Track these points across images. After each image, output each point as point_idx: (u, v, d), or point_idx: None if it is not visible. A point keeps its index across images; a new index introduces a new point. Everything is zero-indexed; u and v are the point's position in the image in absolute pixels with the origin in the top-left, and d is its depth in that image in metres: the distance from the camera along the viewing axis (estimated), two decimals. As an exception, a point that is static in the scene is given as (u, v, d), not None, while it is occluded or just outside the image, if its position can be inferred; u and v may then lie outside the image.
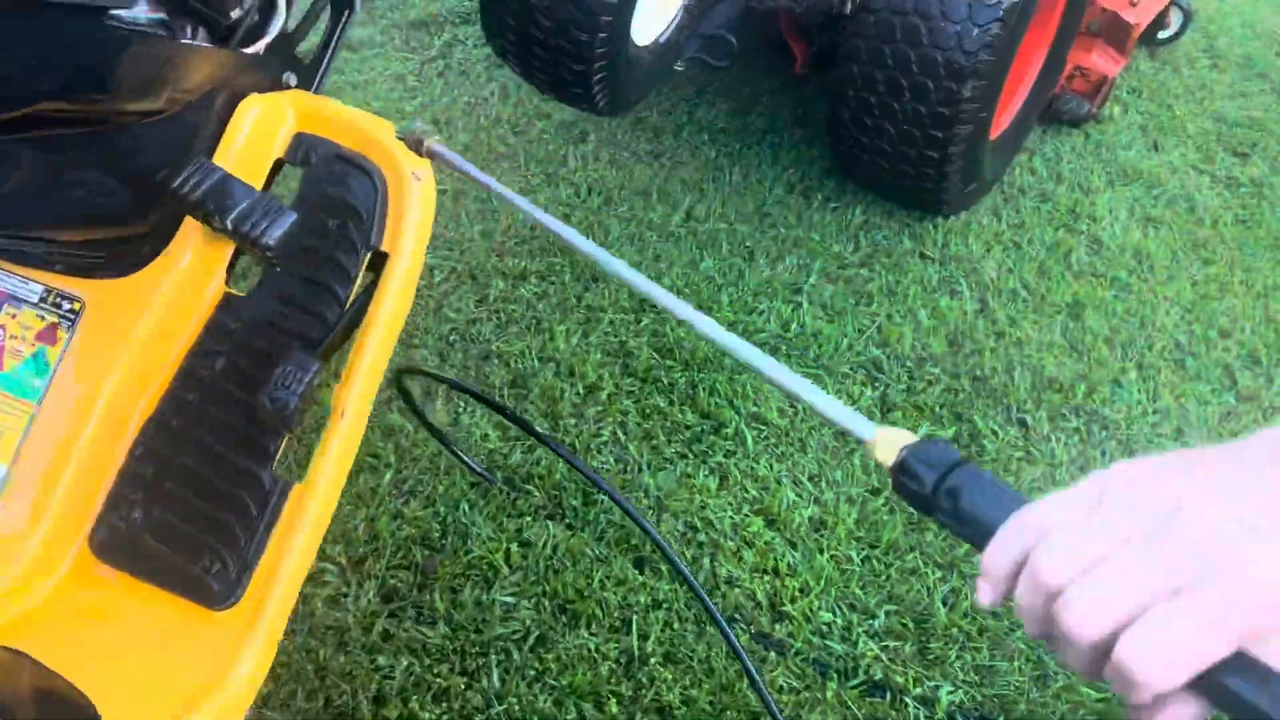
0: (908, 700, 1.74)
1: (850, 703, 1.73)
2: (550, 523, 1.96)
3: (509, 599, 1.83)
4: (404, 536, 1.91)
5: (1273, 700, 0.49)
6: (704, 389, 2.25)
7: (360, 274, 1.14)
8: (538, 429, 1.80)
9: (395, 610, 1.80)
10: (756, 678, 1.52)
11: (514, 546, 1.90)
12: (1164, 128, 3.35)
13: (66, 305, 1.11)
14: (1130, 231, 2.86)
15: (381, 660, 1.71)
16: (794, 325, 2.44)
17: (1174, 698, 0.51)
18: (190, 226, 1.09)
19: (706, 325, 0.78)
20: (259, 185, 1.14)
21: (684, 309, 0.80)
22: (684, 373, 2.29)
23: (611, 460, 2.09)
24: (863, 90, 2.49)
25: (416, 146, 1.02)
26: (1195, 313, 2.62)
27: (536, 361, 2.28)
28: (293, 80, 1.22)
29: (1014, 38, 2.44)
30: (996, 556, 0.58)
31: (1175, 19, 3.69)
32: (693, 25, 2.29)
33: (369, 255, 1.13)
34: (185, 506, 1.08)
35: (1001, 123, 2.84)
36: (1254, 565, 0.49)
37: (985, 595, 0.59)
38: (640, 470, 2.08)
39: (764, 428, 2.20)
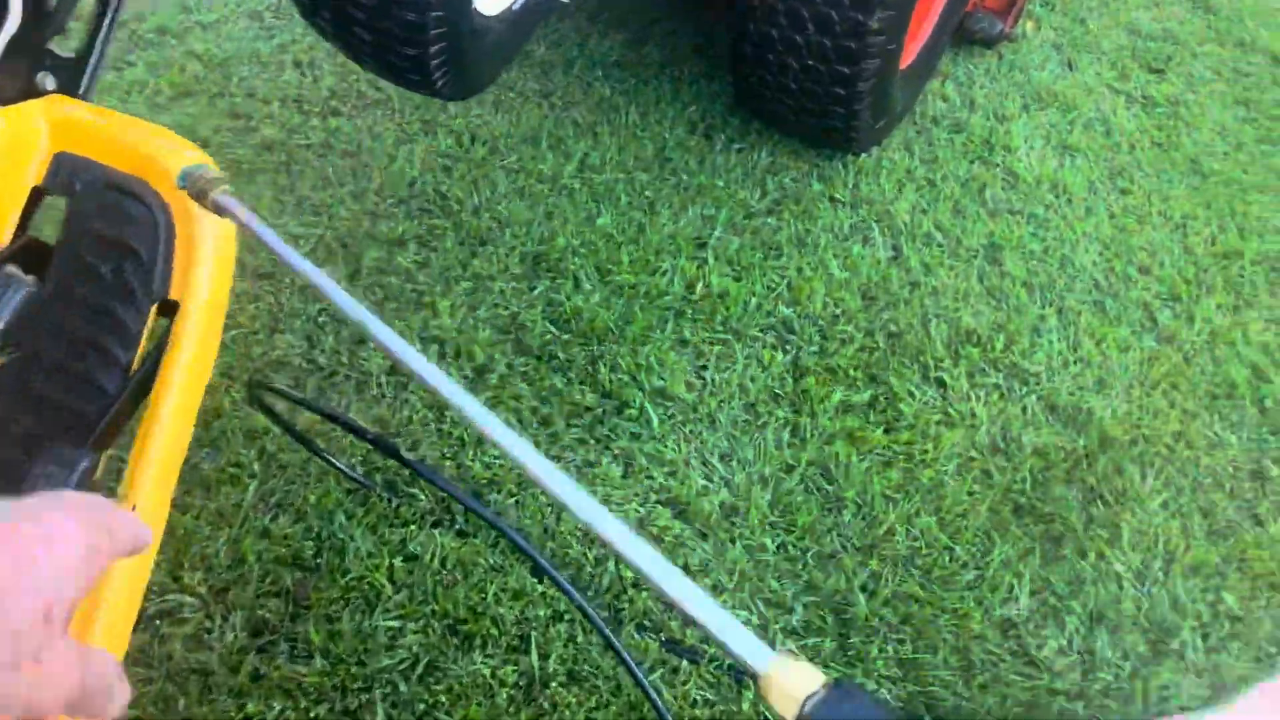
0: (829, 704, 1.63)
1: (769, 713, 1.61)
2: (437, 531, 1.78)
3: (393, 623, 1.66)
4: (273, 558, 1.71)
5: None
6: (605, 365, 2.07)
7: (146, 330, 0.92)
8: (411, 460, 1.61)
9: (265, 645, 1.62)
10: (655, 698, 1.39)
11: (397, 561, 1.73)
12: (1078, 44, 3.20)
13: None
14: (1046, 161, 2.73)
15: (251, 706, 1.54)
16: (699, 285, 2.26)
17: None
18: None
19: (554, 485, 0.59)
20: (7, 225, 0.91)
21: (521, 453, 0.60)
22: (583, 347, 2.10)
23: (504, 459, 1.91)
24: (764, 23, 2.28)
25: (200, 197, 0.80)
26: (1114, 249, 2.51)
27: (419, 342, 2.07)
28: (50, 83, 0.98)
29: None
30: None
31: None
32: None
33: (155, 306, 0.92)
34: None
35: (912, 51, 2.65)
36: None
37: None
38: (536, 462, 1.90)
39: (670, 404, 2.04)
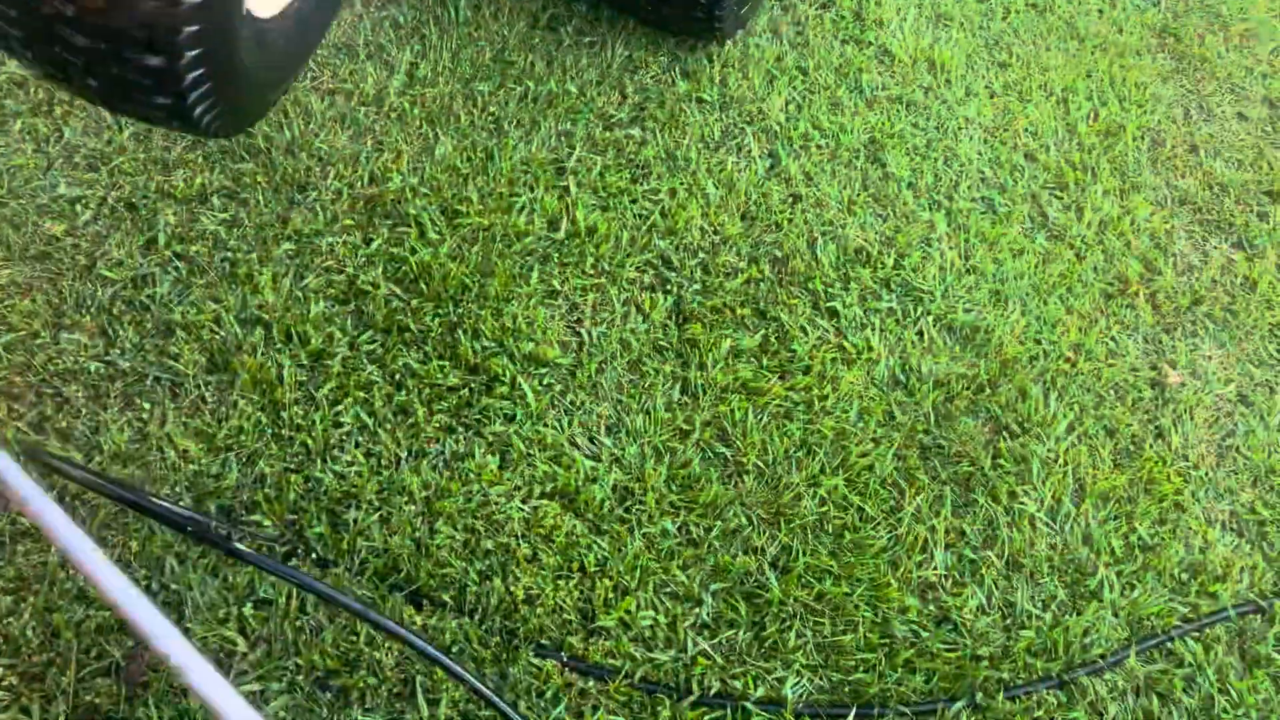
0: (750, 706, 1.51)
1: (688, 730, 1.48)
2: (292, 563, 1.53)
3: (252, 686, 1.43)
4: (94, 627, 1.44)
5: None
6: (465, 332, 1.81)
7: None
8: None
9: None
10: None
11: (247, 610, 1.48)
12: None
13: None
14: (921, 36, 2.51)
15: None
16: (564, 222, 1.99)
17: None
18: None
19: None
20: None
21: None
22: (437, 312, 1.83)
23: (361, 456, 1.66)
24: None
25: None
26: (998, 135, 2.35)
27: (238, 327, 1.75)
28: None
29: None
30: None
31: None
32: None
33: None
34: None
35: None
36: None
37: None
38: (398, 465, 1.66)
39: (545, 371, 1.80)
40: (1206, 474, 1.89)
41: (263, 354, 1.72)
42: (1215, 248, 2.25)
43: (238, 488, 1.59)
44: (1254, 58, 2.70)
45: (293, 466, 1.63)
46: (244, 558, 1.34)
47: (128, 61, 1.03)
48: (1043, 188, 2.27)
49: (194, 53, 1.05)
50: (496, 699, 1.30)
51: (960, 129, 2.33)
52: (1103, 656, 1.64)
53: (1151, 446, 1.91)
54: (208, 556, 1.51)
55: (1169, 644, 1.67)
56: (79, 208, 1.85)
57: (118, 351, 1.70)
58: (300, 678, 1.44)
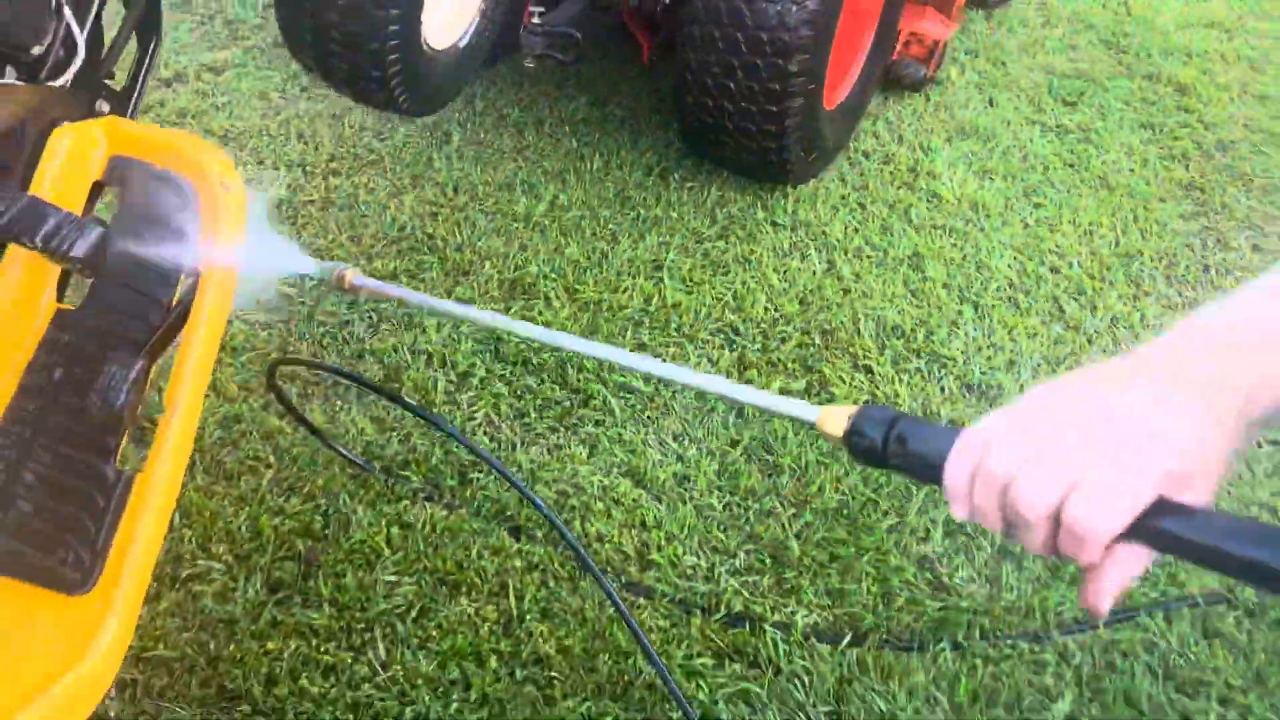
0: (766, 627, 1.89)
1: (714, 635, 1.88)
2: (428, 504, 2.07)
3: (391, 578, 1.94)
4: (286, 530, 2.01)
5: (1194, 529, 0.64)
6: (573, 367, 2.38)
7: (180, 279, 1.24)
8: (414, 405, 1.92)
9: (282, 599, 1.90)
10: (624, 610, 1.66)
11: (394, 530, 2.02)
12: (998, 84, 3.57)
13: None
14: (967, 184, 3.07)
15: (271, 644, 1.82)
16: (655, 299, 2.58)
17: (1119, 548, 0.65)
18: (13, 252, 1.19)
19: (641, 361, 0.99)
20: (78, 208, 1.24)
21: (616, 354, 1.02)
22: (553, 354, 2.42)
23: (486, 440, 2.22)
24: (700, 73, 2.65)
25: (339, 282, 1.18)
26: (1027, 253, 2.83)
27: (409, 355, 2.39)
28: (105, 108, 1.32)
29: (832, 12, 2.62)
30: (954, 475, 0.71)
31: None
32: (494, 30, 2.46)
33: (184, 276, 1.24)
34: (37, 505, 1.17)
35: (838, 93, 3.02)
36: (1161, 430, 0.64)
37: (958, 512, 0.72)
38: (514, 448, 2.21)
39: (630, 396, 2.34)
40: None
41: (423, 372, 2.35)
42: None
43: (396, 453, 2.16)
44: (1273, 205, 3.10)
45: (437, 443, 2.20)
46: (417, 410, 1.88)
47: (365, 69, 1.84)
48: (1063, 292, 2.71)
49: (396, 68, 1.82)
50: (585, 553, 1.77)
51: (993, 249, 2.83)
52: (1075, 620, 1.94)
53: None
54: (369, 494, 2.08)
55: (1136, 618, 1.95)
56: (306, 280, 2.59)
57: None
58: (426, 575, 1.95)
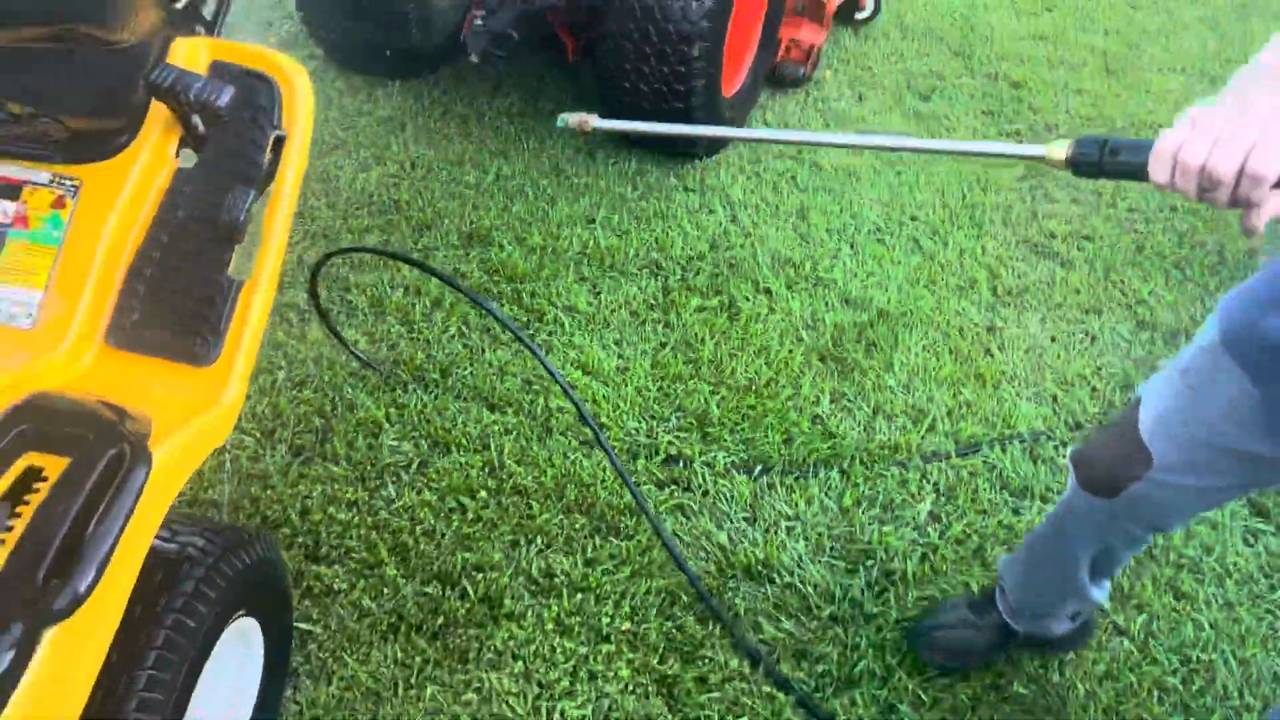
0: (695, 464, 2.41)
1: (655, 470, 2.38)
2: (419, 390, 2.54)
3: (393, 442, 2.40)
4: (303, 412, 2.45)
5: None
6: (526, 294, 2.88)
7: (269, 145, 1.72)
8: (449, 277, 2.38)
9: (305, 459, 2.34)
10: (600, 435, 2.15)
11: (392, 409, 2.48)
12: (866, 84, 4.23)
13: (69, 183, 1.64)
14: (842, 158, 3.69)
15: (300, 488, 2.26)
16: (590, 244, 3.11)
17: (1276, 192, 0.93)
18: (152, 120, 1.65)
19: (866, 139, 1.38)
20: (194, 100, 1.71)
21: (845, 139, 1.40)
22: (509, 284, 2.92)
23: (459, 346, 2.69)
24: (619, 63, 3.21)
25: (582, 125, 1.65)
26: (891, 206, 3.45)
27: (388, 288, 2.86)
28: (201, 30, 1.80)
29: (726, 9, 3.21)
30: (1160, 159, 0.99)
31: (869, 3, 4.62)
32: None
33: (275, 134, 1.72)
34: (174, 307, 1.63)
35: (733, 83, 3.62)
36: None
37: (1159, 180, 0.99)
38: (483, 351, 2.69)
39: (575, 315, 2.85)
40: (1018, 374, 2.79)
41: (404, 299, 2.82)
42: (1043, 265, 3.25)
43: (385, 358, 2.62)
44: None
45: (419, 349, 2.66)
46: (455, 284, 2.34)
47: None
48: (920, 233, 3.33)
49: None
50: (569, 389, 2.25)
51: (864, 204, 3.44)
52: (934, 453, 2.50)
53: (981, 359, 2.83)
54: (368, 384, 2.53)
55: (980, 451, 2.52)
56: (294, 236, 3.03)
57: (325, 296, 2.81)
58: (421, 439, 2.41)
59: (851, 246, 3.24)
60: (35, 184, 1.64)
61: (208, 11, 1.83)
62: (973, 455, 2.51)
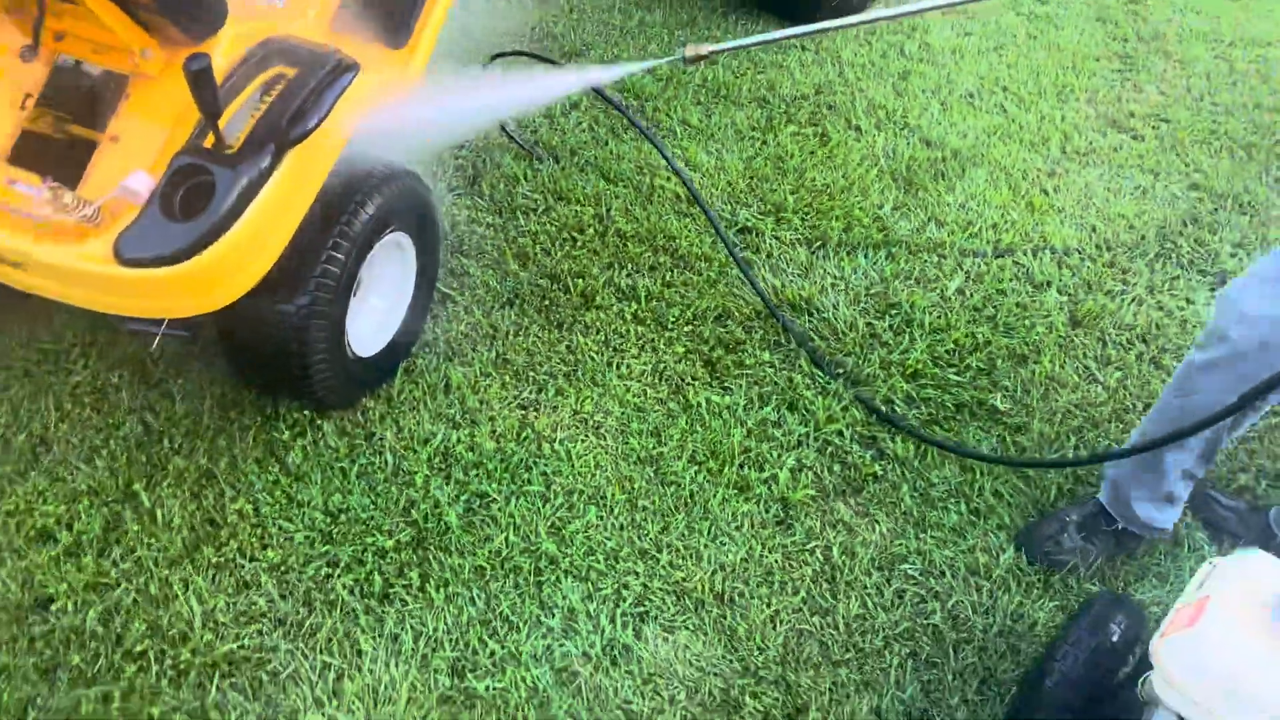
0: (765, 236, 2.92)
1: (732, 236, 2.91)
2: (550, 160, 3.13)
3: (526, 190, 3.00)
4: (459, 163, 3.08)
5: None
6: (650, 109, 3.44)
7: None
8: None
9: (457, 193, 2.97)
10: (689, 182, 2.69)
11: (528, 170, 3.08)
12: (989, -15, 4.59)
13: None
14: (949, 37, 4.09)
15: (452, 211, 2.88)
16: (710, 79, 3.63)
17: None
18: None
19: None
20: None
21: None
22: (636, 100, 3.48)
23: (588, 137, 3.28)
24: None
25: (697, 55, 2.24)
26: (987, 78, 3.84)
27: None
28: None
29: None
30: None
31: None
32: None
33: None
34: (380, 4, 2.24)
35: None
36: None
37: None
38: (606, 142, 3.26)
39: (688, 127, 3.38)
40: (1065, 208, 3.17)
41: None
42: (1115, 135, 3.58)
43: (535, 139, 3.23)
44: (1186, 71, 4.06)
45: (555, 135, 3.26)
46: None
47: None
48: (1006, 100, 3.71)
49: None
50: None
51: (961, 74, 3.84)
52: (973, 251, 2.94)
53: (1036, 194, 3.22)
54: (510, 157, 3.14)
55: (1013, 255, 2.93)
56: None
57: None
58: (548, 193, 3.00)
59: (942, 105, 3.65)
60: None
61: None
62: (1006, 256, 2.94)
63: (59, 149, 1.98)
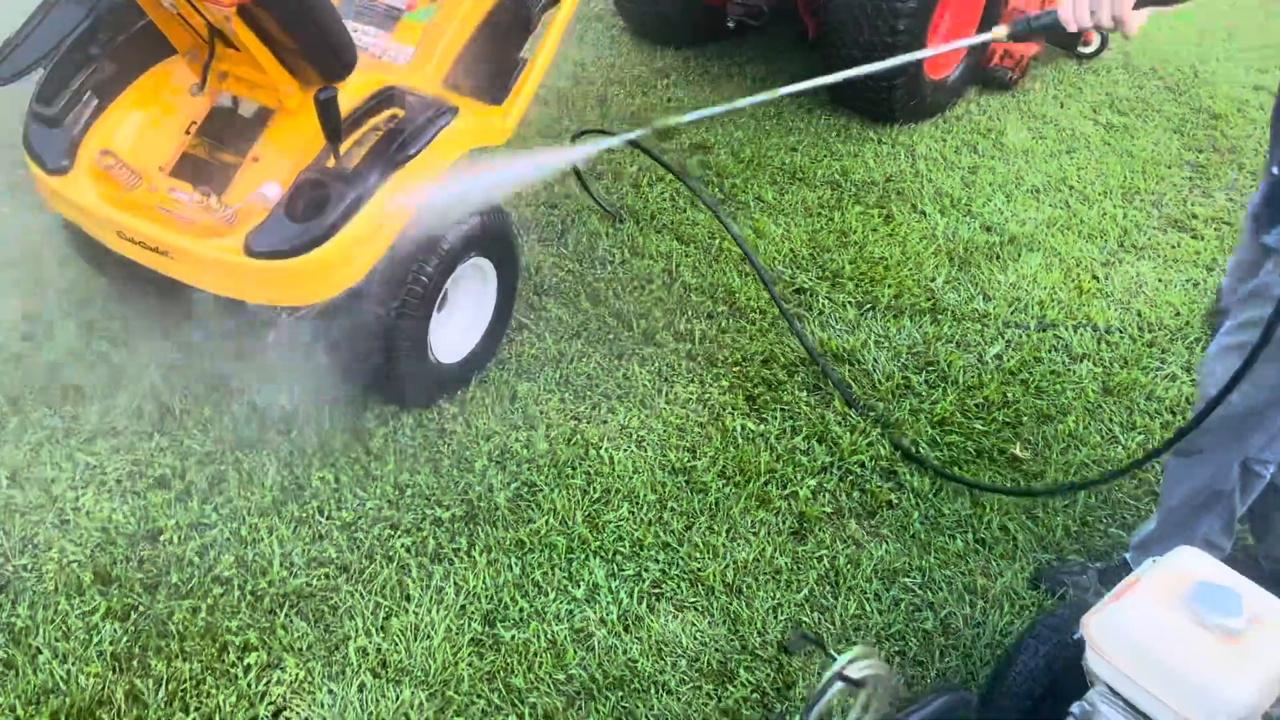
0: (819, 296, 3.18)
1: (786, 295, 3.18)
2: (631, 222, 3.48)
3: (606, 245, 3.34)
4: (548, 219, 3.46)
5: None
6: (728, 185, 3.78)
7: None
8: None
9: (545, 242, 3.33)
10: (744, 247, 3.00)
11: (609, 230, 3.43)
12: (1069, 95, 4.82)
13: (442, -5, 2.72)
14: (1023, 139, 4.33)
15: (537, 255, 3.24)
16: (788, 162, 3.96)
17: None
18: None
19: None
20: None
21: None
22: (717, 177, 3.82)
23: (667, 205, 3.62)
24: (842, 34, 4.07)
25: (665, 126, 2.63)
26: (1053, 176, 4.06)
27: (628, 164, 3.84)
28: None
29: (927, 10, 4.01)
30: (1063, 9, 1.83)
31: (1096, 39, 5.20)
32: None
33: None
34: (485, 67, 2.65)
35: (940, 72, 4.38)
36: None
37: (1066, 18, 1.71)
38: (684, 209, 3.60)
39: (762, 203, 3.70)
40: (1113, 293, 3.34)
41: (637, 171, 3.79)
42: (1175, 234, 3.74)
43: (620, 203, 3.59)
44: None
45: (638, 201, 3.61)
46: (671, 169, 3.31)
47: None
48: (1070, 197, 3.92)
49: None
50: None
51: (1029, 172, 4.07)
52: (1016, 323, 3.13)
53: (1087, 280, 3.40)
54: (596, 220, 3.51)
55: (1055, 329, 3.11)
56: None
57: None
58: (625, 248, 3.34)
59: (1007, 197, 3.89)
60: (421, -10, 2.74)
61: None
62: (1048, 330, 3.12)
63: (211, 166, 2.41)
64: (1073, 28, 1.72)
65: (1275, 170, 1.89)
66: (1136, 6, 1.68)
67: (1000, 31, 1.86)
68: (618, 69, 4.71)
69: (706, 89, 4.57)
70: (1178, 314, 3.26)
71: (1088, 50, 5.20)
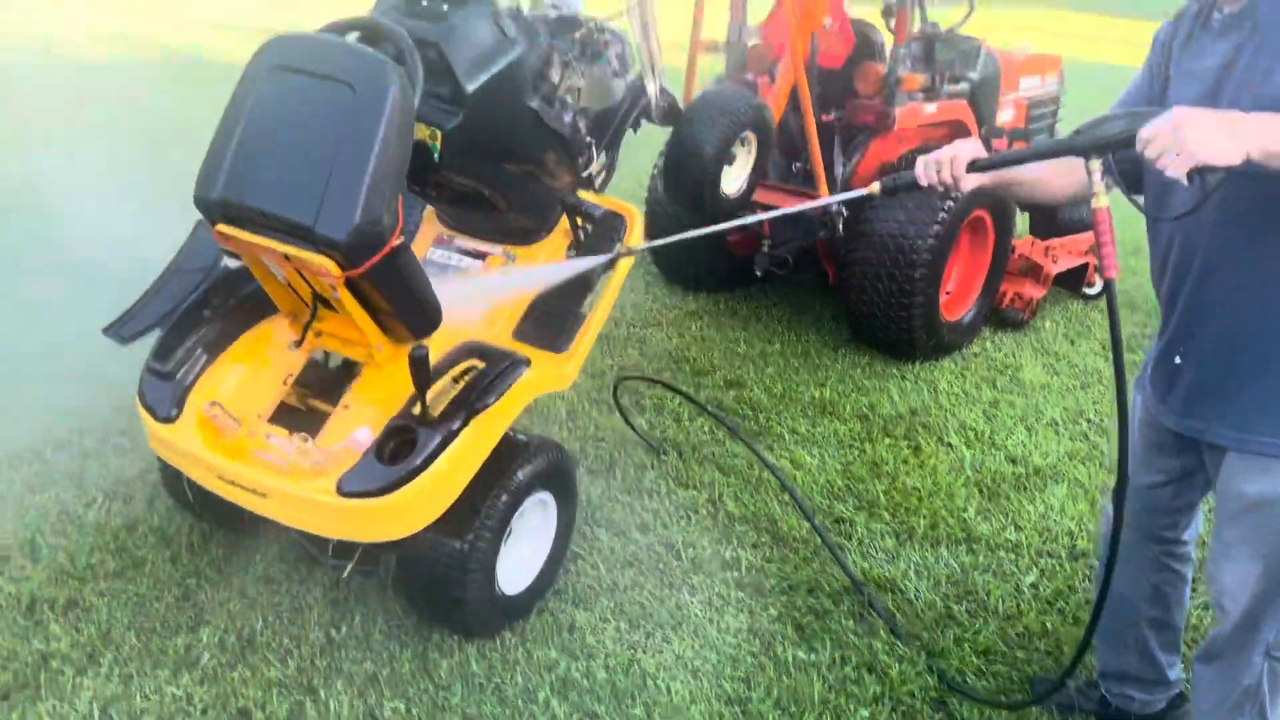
0: (857, 525, 3.33)
1: (829, 526, 3.34)
2: (674, 455, 3.69)
3: (652, 476, 3.54)
4: (595, 453, 3.67)
5: None
6: (763, 418, 4.02)
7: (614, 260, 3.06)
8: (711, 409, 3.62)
9: (594, 474, 3.53)
10: (783, 479, 3.19)
11: (654, 462, 3.64)
12: (1080, 334, 5.14)
13: (510, 254, 3.07)
14: (1039, 374, 4.60)
15: (587, 484, 3.43)
16: (818, 397, 4.21)
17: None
18: (559, 227, 3.06)
19: None
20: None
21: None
22: (752, 411, 4.07)
23: (708, 438, 3.85)
24: (863, 281, 4.43)
25: (629, 250, 3.00)
26: (1072, 410, 4.29)
27: (670, 401, 4.10)
28: (591, 187, 3.23)
29: (944, 249, 4.38)
30: (924, 167, 2.17)
31: (1099, 281, 5.57)
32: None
33: (620, 249, 3.06)
34: (550, 320, 2.95)
35: (955, 313, 4.71)
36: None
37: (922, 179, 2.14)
38: (724, 442, 3.82)
39: (796, 434, 3.92)
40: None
41: (678, 407, 4.04)
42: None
43: (664, 437, 3.82)
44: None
45: (680, 435, 3.84)
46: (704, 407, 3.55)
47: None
48: (1088, 429, 4.13)
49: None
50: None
51: (1048, 406, 4.30)
52: (1050, 552, 3.26)
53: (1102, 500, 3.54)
54: (645, 450, 3.73)
55: (1088, 558, 3.24)
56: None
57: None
58: (670, 479, 3.53)
59: (1028, 429, 4.10)
60: (493, 253, 3.08)
61: (596, 181, 3.27)
62: (1080, 559, 3.25)
63: (304, 413, 2.66)
64: (923, 183, 2.10)
65: None
66: (969, 170, 2.04)
67: (874, 187, 2.23)
68: (655, 312, 5.08)
69: (737, 329, 4.90)
70: (1203, 543, 3.38)
71: (1092, 291, 5.57)
